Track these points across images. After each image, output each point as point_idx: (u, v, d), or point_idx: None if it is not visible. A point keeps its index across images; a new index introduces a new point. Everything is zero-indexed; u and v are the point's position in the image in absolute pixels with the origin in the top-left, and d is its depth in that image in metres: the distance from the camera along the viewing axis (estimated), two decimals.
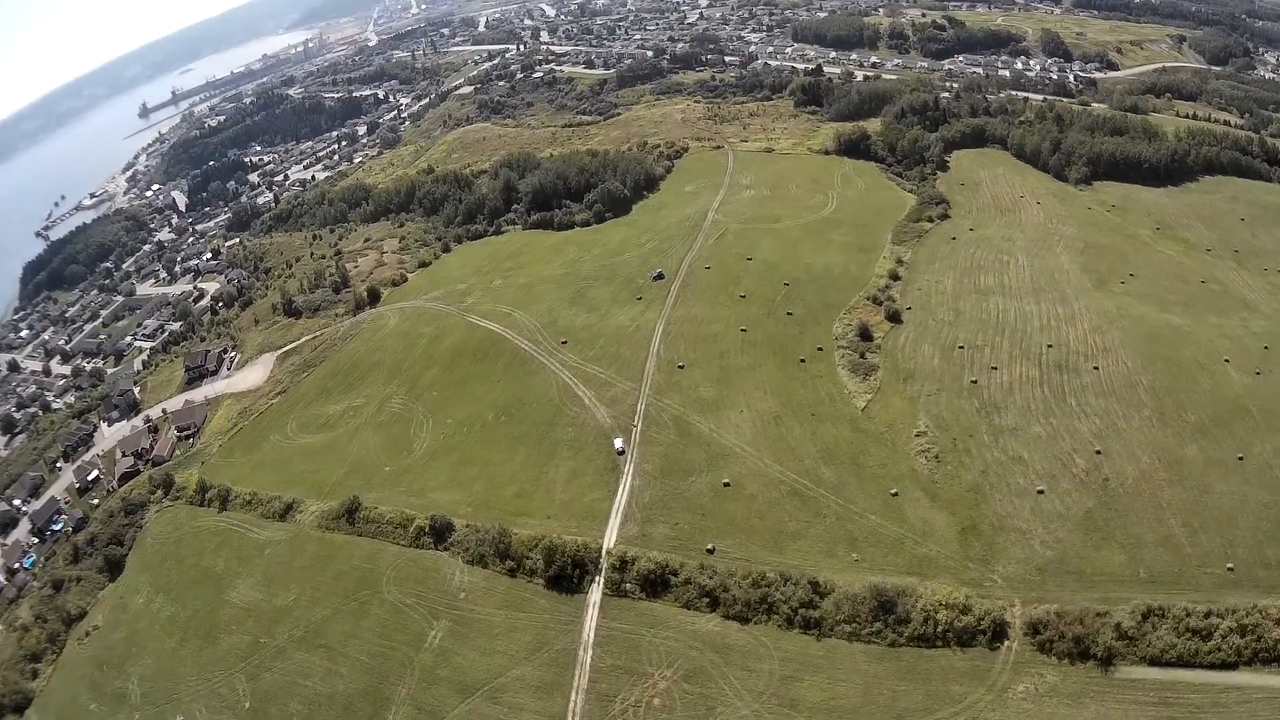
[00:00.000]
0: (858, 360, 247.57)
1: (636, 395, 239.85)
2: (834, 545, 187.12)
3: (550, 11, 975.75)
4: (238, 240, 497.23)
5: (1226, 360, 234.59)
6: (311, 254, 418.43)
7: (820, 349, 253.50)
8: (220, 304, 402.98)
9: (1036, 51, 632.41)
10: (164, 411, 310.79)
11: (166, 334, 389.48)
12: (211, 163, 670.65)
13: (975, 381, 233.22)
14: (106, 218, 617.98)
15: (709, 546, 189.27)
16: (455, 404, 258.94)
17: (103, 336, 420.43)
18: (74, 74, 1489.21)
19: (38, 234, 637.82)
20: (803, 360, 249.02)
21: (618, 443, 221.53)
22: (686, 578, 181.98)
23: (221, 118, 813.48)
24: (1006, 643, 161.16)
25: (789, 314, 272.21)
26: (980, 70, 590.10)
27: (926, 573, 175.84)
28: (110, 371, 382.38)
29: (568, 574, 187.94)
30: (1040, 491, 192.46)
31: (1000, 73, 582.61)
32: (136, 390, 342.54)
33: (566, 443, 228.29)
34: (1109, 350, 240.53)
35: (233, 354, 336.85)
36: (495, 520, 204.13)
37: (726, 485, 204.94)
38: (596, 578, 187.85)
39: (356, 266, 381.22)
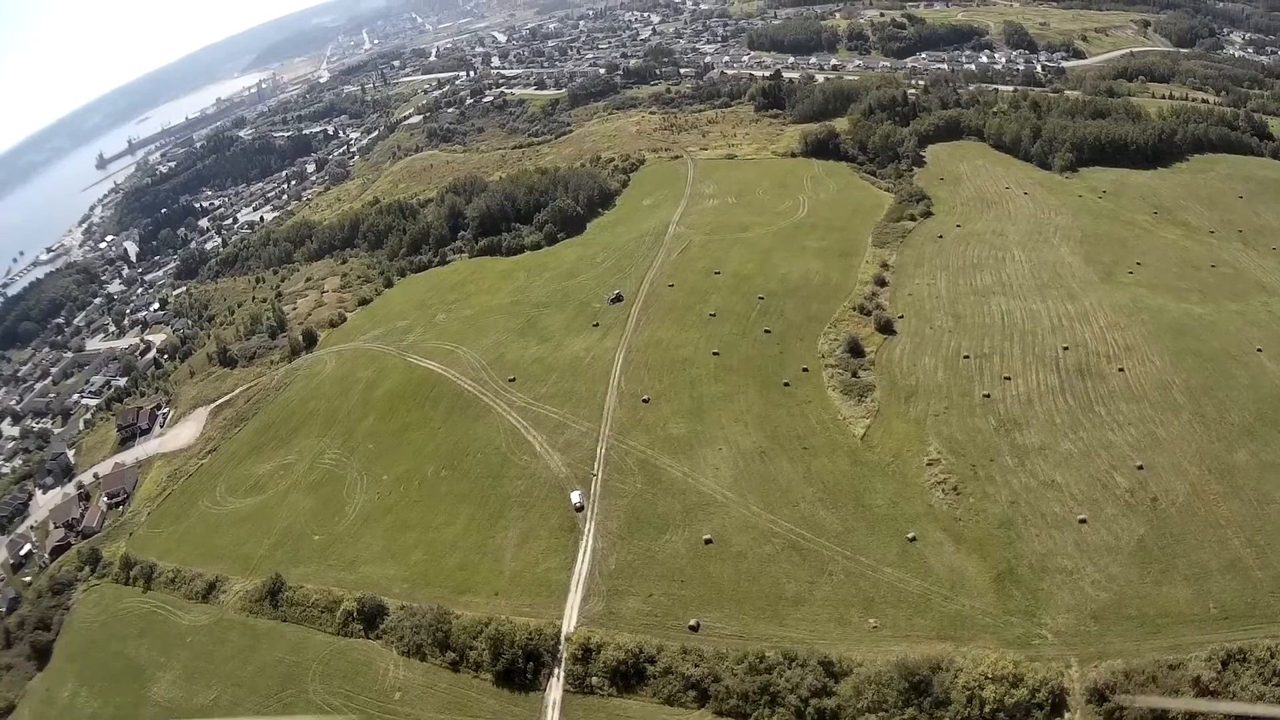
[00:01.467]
0: (850, 380, 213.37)
1: (596, 437, 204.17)
2: (846, 610, 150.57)
3: (501, 38, 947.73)
4: (184, 289, 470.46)
5: (1259, 350, 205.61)
6: (253, 298, 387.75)
7: (805, 370, 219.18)
8: (165, 356, 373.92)
9: (1000, 45, 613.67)
10: (95, 476, 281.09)
11: (111, 390, 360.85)
12: (163, 210, 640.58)
13: (988, 395, 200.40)
14: (59, 272, 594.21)
15: (692, 622, 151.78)
16: (392, 457, 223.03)
17: (51, 395, 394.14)
18: (36, 127, 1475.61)
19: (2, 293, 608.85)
20: (786, 384, 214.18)
21: (575, 496, 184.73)
22: (666, 665, 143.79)
23: (173, 164, 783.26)
24: (1068, 715, 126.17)
25: (766, 332, 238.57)
26: (945, 66, 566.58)
27: (962, 635, 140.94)
28: (56, 432, 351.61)
29: (519, 668, 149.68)
30: (1082, 521, 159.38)
31: (966, 67, 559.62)
32: (71, 453, 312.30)
33: (516, 499, 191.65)
34: (1132, 348, 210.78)
35: (165, 410, 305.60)
36: (435, 599, 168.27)
37: (708, 542, 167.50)
38: (555, 671, 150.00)
39: (295, 308, 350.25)
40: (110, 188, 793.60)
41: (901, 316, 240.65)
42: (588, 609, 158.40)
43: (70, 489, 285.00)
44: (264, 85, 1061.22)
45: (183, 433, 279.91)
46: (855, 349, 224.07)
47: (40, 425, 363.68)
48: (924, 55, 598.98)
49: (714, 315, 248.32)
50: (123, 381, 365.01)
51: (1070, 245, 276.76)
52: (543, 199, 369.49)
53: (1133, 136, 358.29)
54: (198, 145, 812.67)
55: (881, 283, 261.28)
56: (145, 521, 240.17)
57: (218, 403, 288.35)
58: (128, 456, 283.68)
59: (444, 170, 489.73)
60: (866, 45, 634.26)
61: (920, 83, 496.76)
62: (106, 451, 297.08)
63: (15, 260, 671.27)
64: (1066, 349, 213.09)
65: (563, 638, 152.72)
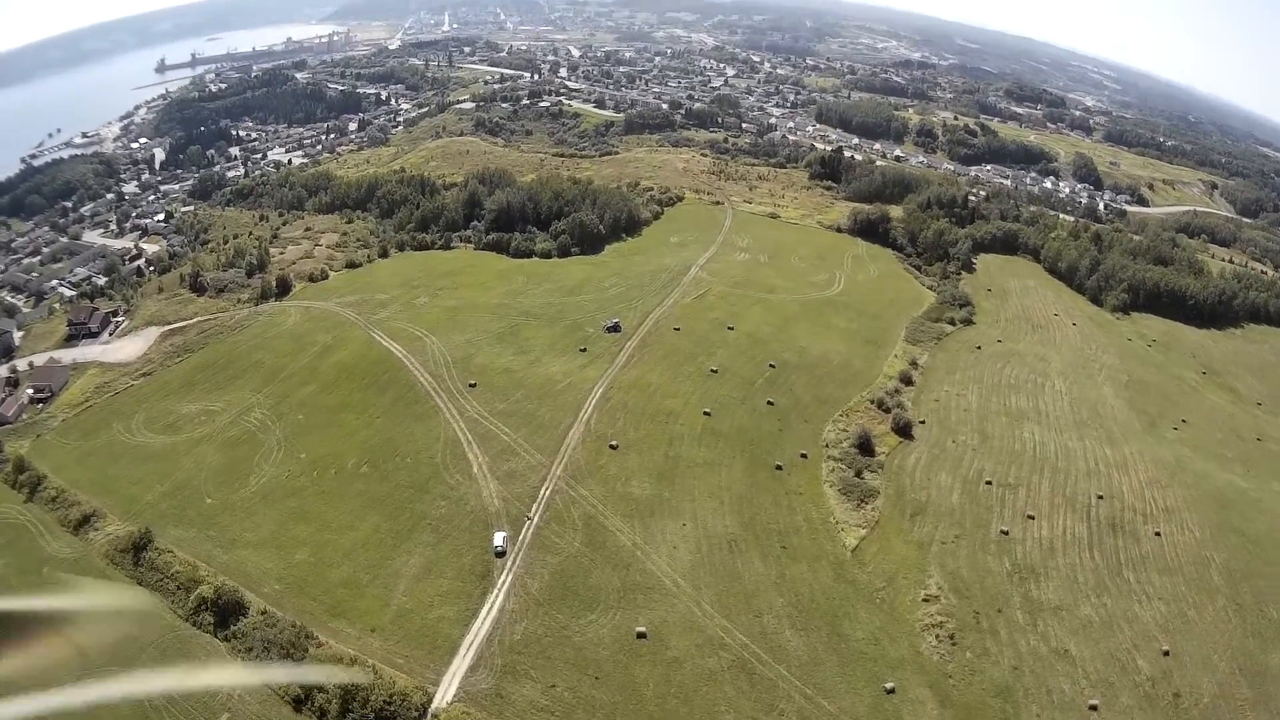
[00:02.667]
0: (852, 479, 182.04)
1: (544, 474, 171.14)
2: None
3: (575, 53, 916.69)
4: (192, 208, 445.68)
5: None
6: (250, 233, 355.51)
7: (804, 455, 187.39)
8: (150, 267, 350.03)
9: (1067, 174, 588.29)
10: (30, 366, 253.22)
11: (88, 285, 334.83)
12: (201, 128, 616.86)
13: (1006, 532, 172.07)
14: (80, 157, 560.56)
15: None
16: (319, 434, 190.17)
17: (34, 275, 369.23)
18: (104, 16, 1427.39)
19: (23, 160, 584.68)
20: (779, 467, 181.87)
21: (499, 539, 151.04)
22: None
23: (224, 85, 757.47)
24: None
25: (770, 403, 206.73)
26: (1008, 183, 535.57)
27: None
28: (22, 311, 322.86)
29: None
30: (1093, 707, 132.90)
31: (1029, 188, 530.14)
32: (19, 336, 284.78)
33: (432, 522, 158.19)
34: (1172, 512, 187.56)
35: (120, 319, 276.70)
36: (303, 614, 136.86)
37: (641, 636, 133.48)
38: None
39: (283, 253, 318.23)
40: (161, 93, 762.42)
41: (923, 422, 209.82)
42: (472, 682, 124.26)
43: (3, 371, 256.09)
44: (336, 38, 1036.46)
45: (128, 347, 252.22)
46: (865, 446, 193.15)
47: (11, 300, 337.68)
48: (989, 167, 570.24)
49: (715, 372, 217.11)
50: (103, 280, 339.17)
51: (1115, 387, 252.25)
52: (566, 209, 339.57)
53: (1193, 290, 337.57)
54: (253, 75, 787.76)
55: (907, 381, 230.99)
56: (56, 428, 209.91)
57: (172, 326, 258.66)
58: (66, 355, 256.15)
59: (479, 159, 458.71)
60: (934, 144, 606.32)
61: (981, 192, 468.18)
62: (51, 344, 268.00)
63: (50, 136, 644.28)
64: (1101, 498, 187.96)
65: (430, 713, 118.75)
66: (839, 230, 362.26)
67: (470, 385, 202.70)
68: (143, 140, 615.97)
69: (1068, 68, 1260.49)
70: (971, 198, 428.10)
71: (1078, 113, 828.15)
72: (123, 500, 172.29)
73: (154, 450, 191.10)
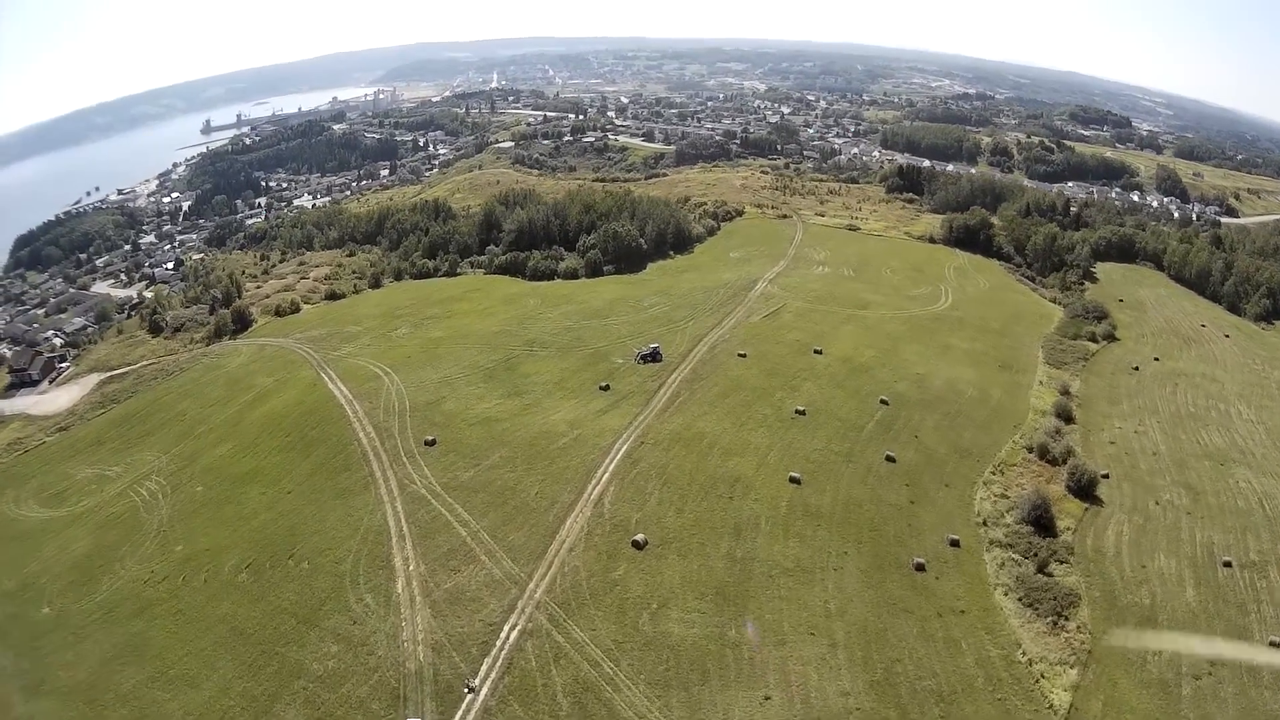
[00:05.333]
0: (1034, 579, 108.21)
1: (514, 599, 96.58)
2: None
3: (625, 100, 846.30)
4: (202, 255, 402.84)
5: None
6: (244, 272, 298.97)
7: (955, 543, 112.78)
8: (135, 312, 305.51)
9: (1150, 188, 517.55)
10: None
11: (83, 335, 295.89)
12: (232, 180, 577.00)
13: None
14: (101, 210, 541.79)
15: None
16: (209, 517, 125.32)
17: (35, 325, 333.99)
18: (156, 84, 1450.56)
19: (57, 216, 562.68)
20: (920, 566, 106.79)
21: None
22: None
23: (258, 138, 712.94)
24: None
25: (890, 459, 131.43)
26: (1094, 197, 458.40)
27: None
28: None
29: None
30: None
31: (1115, 203, 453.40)
32: None
33: (309, 686, 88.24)
34: None
35: (65, 365, 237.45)
36: None
37: None
38: None
39: (259, 288, 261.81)
40: (201, 151, 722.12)
41: (1106, 475, 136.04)
42: None
43: None
44: (382, 95, 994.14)
45: (61, 397, 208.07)
46: (1041, 519, 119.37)
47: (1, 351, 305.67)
48: (1071, 184, 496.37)
49: (802, 414, 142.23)
50: (93, 329, 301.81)
51: None
52: (599, 222, 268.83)
53: None
54: (290, 127, 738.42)
55: (1066, 417, 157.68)
56: None
57: (112, 373, 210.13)
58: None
59: (509, 188, 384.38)
60: (1010, 163, 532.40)
61: (1073, 209, 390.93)
62: None
63: (88, 194, 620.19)
64: None
65: None
66: (932, 241, 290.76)
67: (427, 443, 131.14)
68: (174, 195, 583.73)
69: (1119, 97, 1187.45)
70: (1072, 205, 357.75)
71: (1144, 132, 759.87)
72: None
73: (27, 528, 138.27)
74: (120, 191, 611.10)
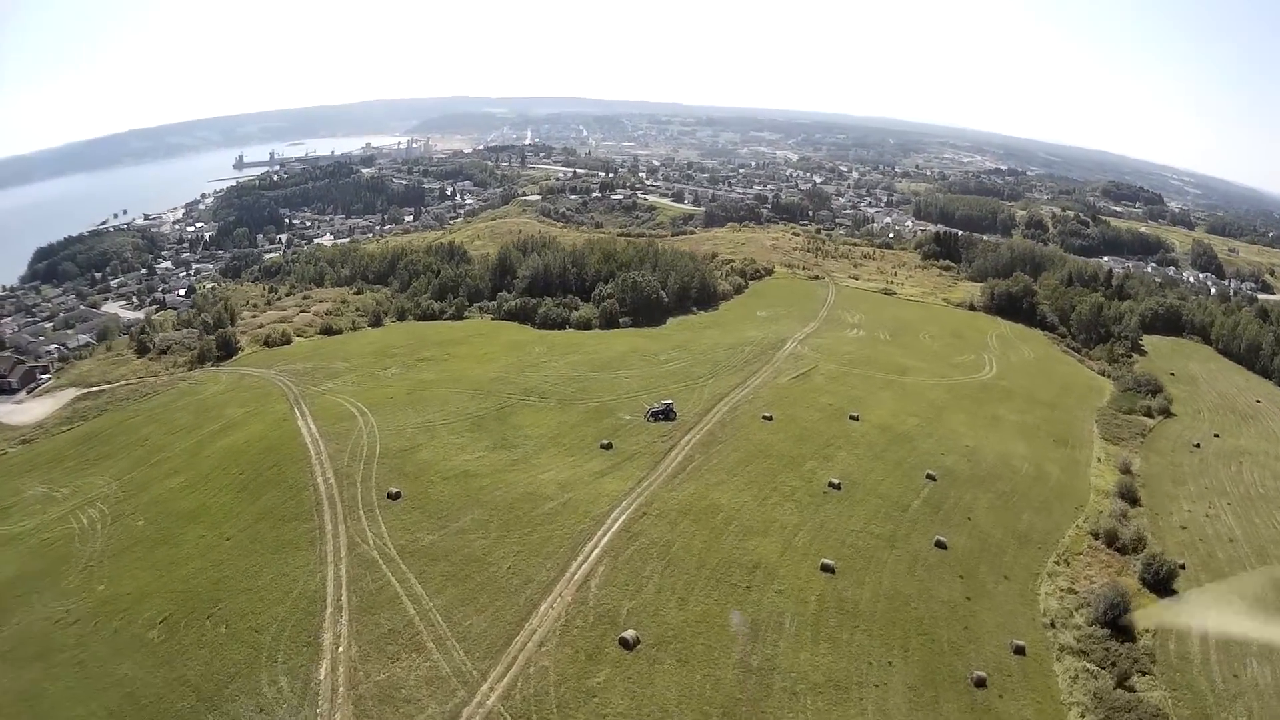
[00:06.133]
0: (1115, 697, 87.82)
1: (459, 708, 75.20)
2: None
3: (656, 162, 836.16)
4: (214, 284, 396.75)
5: None
6: (247, 302, 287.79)
7: (1020, 650, 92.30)
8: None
9: (1185, 264, 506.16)
10: None
11: (79, 351, 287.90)
12: (263, 214, 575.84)
13: None
14: (123, 231, 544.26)
15: None
16: (142, 556, 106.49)
17: (40, 338, 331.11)
18: (193, 115, 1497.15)
19: (80, 234, 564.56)
20: (981, 681, 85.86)
21: None
22: None
23: (286, 175, 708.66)
24: None
25: (939, 545, 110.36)
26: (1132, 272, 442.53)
27: None
28: None
29: None
30: None
31: (1152, 278, 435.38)
32: None
33: None
34: None
35: (46, 377, 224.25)
36: None
37: None
38: None
39: (255, 317, 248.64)
40: (231, 184, 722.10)
41: (1183, 566, 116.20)
42: None
43: None
44: (415, 144, 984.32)
45: (35, 409, 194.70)
46: (1116, 621, 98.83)
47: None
48: (1107, 259, 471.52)
49: (837, 487, 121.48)
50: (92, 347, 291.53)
51: None
52: (619, 272, 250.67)
53: None
54: (319, 167, 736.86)
55: (1131, 498, 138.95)
56: None
57: (90, 389, 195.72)
58: None
59: (529, 236, 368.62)
60: (1045, 236, 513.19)
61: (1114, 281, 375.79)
62: None
63: (115, 216, 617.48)
64: None
65: None
66: (972, 308, 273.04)
67: (390, 495, 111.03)
68: (199, 224, 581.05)
69: (1148, 175, 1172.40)
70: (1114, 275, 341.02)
71: (1176, 209, 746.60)
72: None
73: None
74: (147, 216, 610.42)
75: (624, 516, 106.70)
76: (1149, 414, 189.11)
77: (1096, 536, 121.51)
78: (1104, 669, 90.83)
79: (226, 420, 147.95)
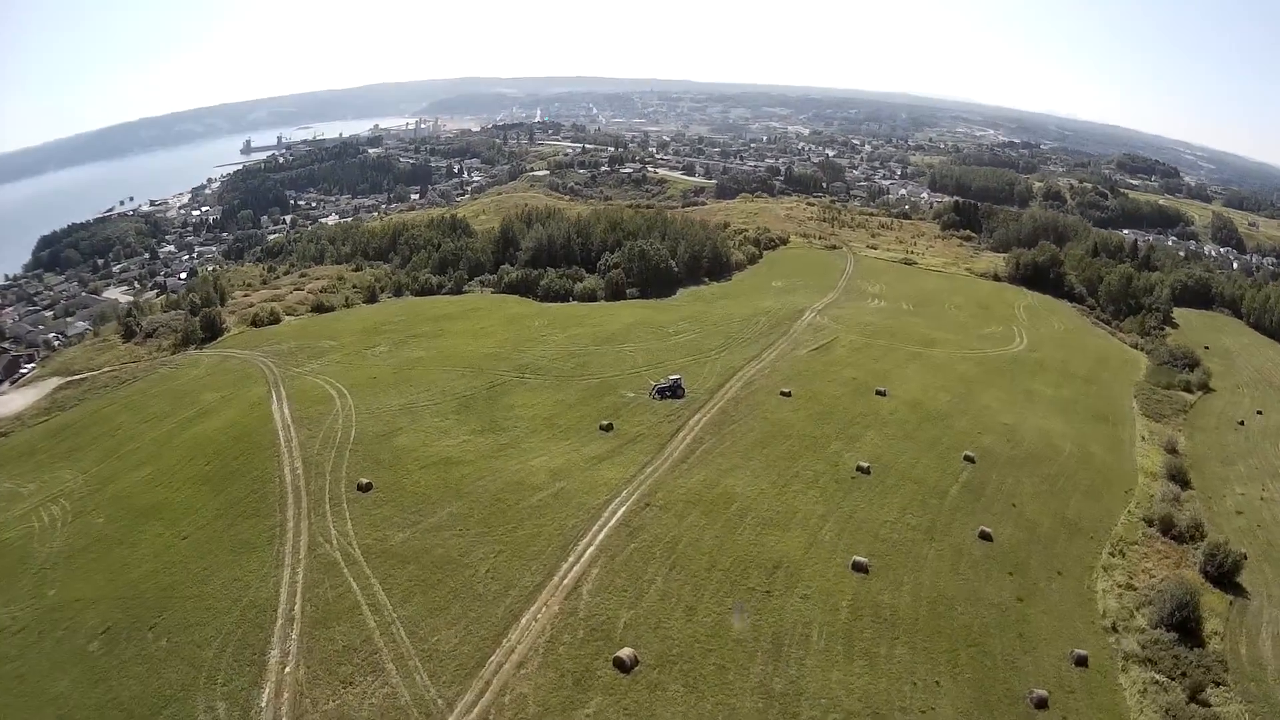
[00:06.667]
0: (1189, 713, 74.38)
1: None
2: None
3: (667, 138, 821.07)
4: (215, 266, 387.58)
5: None
6: (243, 282, 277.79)
7: (1081, 660, 78.49)
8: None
9: (1205, 237, 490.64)
10: None
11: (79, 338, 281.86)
12: (268, 196, 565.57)
13: None
14: (127, 217, 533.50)
15: None
16: (96, 557, 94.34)
17: (40, 327, 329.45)
18: (202, 102, 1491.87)
19: (85, 221, 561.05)
20: (1042, 701, 72.09)
21: None
22: None
23: (292, 157, 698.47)
24: None
25: (984, 536, 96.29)
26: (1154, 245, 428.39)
27: None
28: None
29: None
30: None
31: (1175, 251, 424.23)
32: None
33: None
34: None
35: (30, 366, 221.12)
36: None
37: None
38: None
39: (247, 296, 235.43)
40: (237, 168, 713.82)
41: (1244, 555, 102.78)
42: None
43: None
44: (423, 125, 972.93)
45: (16, 399, 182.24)
46: (1185, 625, 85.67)
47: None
48: (1126, 231, 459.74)
49: (866, 471, 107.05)
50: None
51: None
52: (626, 241, 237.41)
53: None
54: (324, 148, 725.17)
55: (1181, 480, 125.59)
56: None
57: (72, 378, 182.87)
58: None
59: (534, 208, 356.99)
60: (1063, 208, 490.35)
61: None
62: None
63: (121, 203, 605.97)
64: None
65: None
66: (996, 278, 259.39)
67: (360, 487, 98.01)
68: (205, 208, 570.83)
69: (1162, 150, 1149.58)
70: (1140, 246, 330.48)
71: (1192, 183, 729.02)
72: None
73: None
74: (153, 202, 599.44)
75: (623, 509, 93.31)
76: (1188, 389, 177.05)
77: (1150, 523, 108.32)
78: (1174, 680, 77.94)
79: (201, 406, 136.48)
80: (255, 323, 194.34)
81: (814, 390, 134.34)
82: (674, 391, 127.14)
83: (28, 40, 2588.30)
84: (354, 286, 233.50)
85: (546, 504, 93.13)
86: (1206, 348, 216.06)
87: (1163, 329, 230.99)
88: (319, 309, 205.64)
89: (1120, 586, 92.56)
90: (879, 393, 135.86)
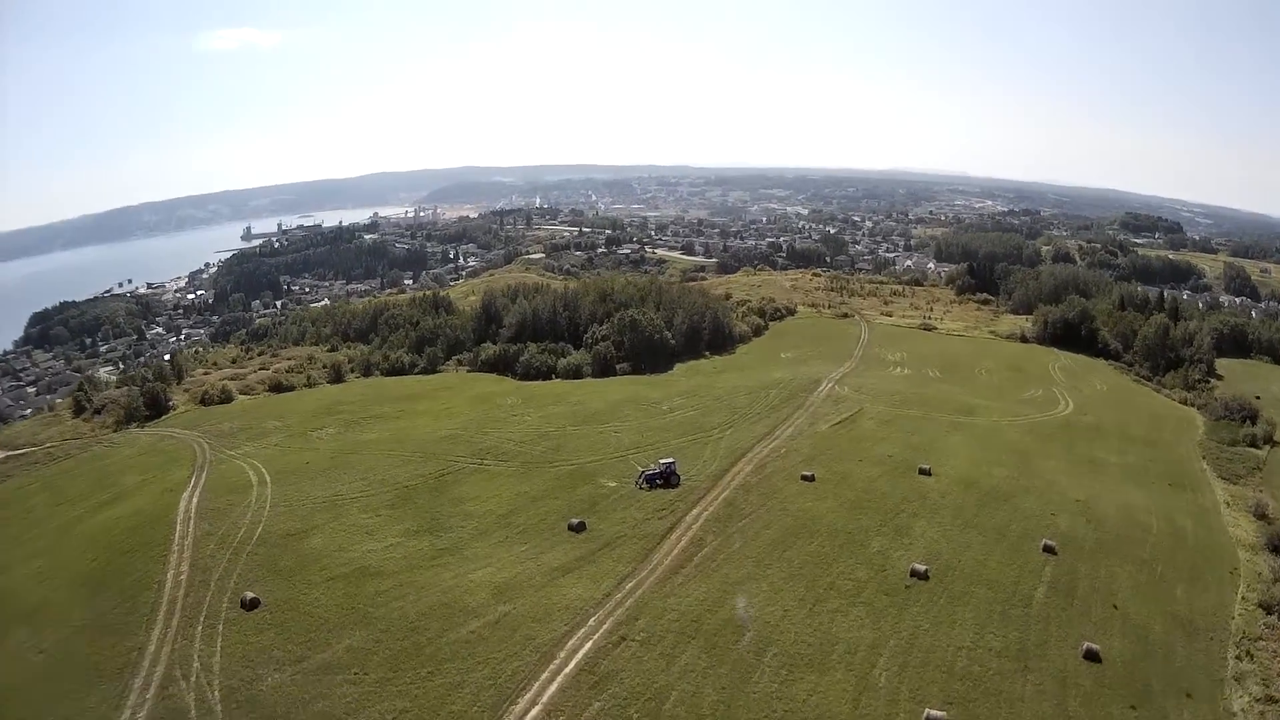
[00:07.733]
0: None
1: None
2: None
3: (666, 222, 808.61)
4: (196, 348, 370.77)
5: None
6: (213, 361, 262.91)
7: None
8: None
9: (1219, 288, 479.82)
10: None
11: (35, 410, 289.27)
12: (262, 281, 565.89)
13: None
14: (118, 297, 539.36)
15: None
16: None
17: (20, 401, 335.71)
18: (204, 189, 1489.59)
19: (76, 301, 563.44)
20: None
21: None
22: None
23: (287, 242, 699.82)
24: None
25: (1089, 655, 71.82)
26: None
27: None
28: None
29: None
30: None
31: (1196, 303, 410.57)
32: None
33: None
34: None
35: None
36: None
37: None
38: None
39: (207, 374, 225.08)
40: (234, 254, 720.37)
41: None
42: None
43: None
44: (423, 213, 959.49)
45: None
46: None
47: None
48: (1139, 286, 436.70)
49: (924, 576, 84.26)
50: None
51: None
52: (616, 312, 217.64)
53: None
54: (320, 233, 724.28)
55: None
56: None
57: (11, 453, 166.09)
58: None
59: (523, 286, 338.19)
60: (1075, 269, 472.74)
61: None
62: None
63: (119, 285, 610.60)
64: None
65: None
66: (1024, 339, 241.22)
67: (245, 604, 76.58)
68: (199, 292, 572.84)
69: (1159, 209, 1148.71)
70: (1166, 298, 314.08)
71: (1196, 237, 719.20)
72: None
73: None
74: (150, 285, 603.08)
75: (589, 644, 69.65)
76: (1254, 444, 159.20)
77: (1269, 610, 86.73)
78: None
79: (118, 490, 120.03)
80: (205, 401, 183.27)
81: (843, 472, 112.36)
82: (666, 479, 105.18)
83: (35, 120, 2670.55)
84: (323, 365, 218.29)
85: (481, 637, 70.45)
86: (1258, 397, 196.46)
87: (1208, 381, 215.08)
88: (277, 388, 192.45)
89: (1259, 701, 70.86)
90: (922, 471, 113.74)
